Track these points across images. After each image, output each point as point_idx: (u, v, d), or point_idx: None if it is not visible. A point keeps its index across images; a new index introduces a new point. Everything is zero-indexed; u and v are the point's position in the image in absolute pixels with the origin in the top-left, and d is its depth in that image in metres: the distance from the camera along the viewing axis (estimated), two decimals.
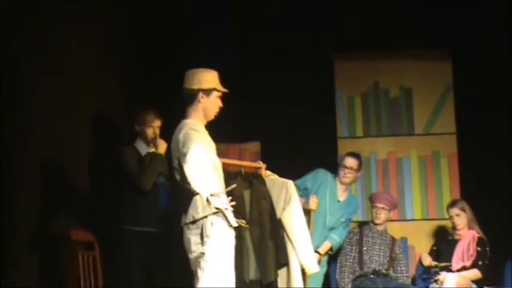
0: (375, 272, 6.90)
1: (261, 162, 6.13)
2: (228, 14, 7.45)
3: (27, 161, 5.73)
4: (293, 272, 5.84)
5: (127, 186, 6.08)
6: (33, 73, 5.78)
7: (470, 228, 6.98)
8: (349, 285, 6.87)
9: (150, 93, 7.27)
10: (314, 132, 7.50)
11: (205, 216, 4.77)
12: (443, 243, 7.08)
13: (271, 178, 6.01)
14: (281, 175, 6.32)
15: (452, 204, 7.07)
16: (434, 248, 7.15)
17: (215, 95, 5.01)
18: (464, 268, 6.85)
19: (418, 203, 7.63)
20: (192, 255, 4.88)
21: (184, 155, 4.81)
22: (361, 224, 7.28)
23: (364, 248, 6.96)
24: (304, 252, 5.83)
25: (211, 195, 4.74)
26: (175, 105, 5.22)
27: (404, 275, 7.01)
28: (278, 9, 7.44)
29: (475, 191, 7.35)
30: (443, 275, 6.71)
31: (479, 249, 6.89)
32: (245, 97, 7.56)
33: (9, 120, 5.57)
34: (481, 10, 7.33)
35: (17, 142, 5.64)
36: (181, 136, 4.90)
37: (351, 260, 6.95)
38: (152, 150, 6.19)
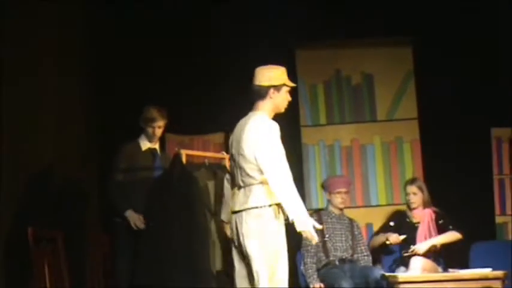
0: (341, 260, 6.91)
1: (225, 153, 6.12)
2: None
3: None
4: None
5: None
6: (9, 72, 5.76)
7: (425, 207, 7.03)
8: (315, 275, 6.89)
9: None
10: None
11: (269, 205, 5.01)
12: (404, 228, 7.06)
13: None
14: None
15: (411, 181, 7.10)
16: (391, 223, 7.16)
17: (285, 90, 5.26)
18: (434, 248, 6.86)
19: (382, 188, 7.67)
20: (246, 240, 5.00)
21: (262, 149, 5.06)
22: (317, 212, 7.16)
23: (327, 235, 6.94)
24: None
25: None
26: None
27: (364, 254, 7.02)
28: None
29: (438, 176, 7.41)
30: (412, 248, 6.75)
31: (441, 221, 6.94)
32: (208, 88, 7.55)
33: None
34: None
35: None
36: (254, 128, 5.14)
37: (313, 250, 6.94)
38: (155, 146, 6.41)
